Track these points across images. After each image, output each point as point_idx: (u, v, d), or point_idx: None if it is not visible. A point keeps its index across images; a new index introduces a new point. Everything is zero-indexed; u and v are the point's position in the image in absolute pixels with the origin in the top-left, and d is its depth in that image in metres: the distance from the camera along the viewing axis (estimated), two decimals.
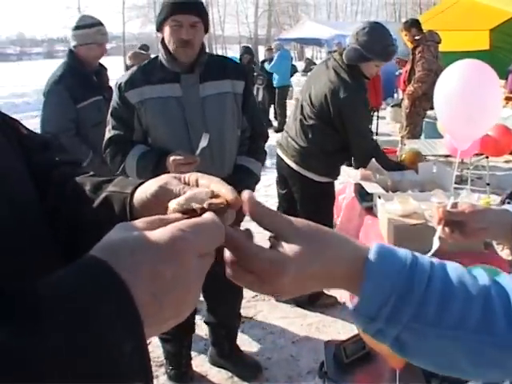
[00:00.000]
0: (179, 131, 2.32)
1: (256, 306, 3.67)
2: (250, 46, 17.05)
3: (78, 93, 3.26)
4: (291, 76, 12.17)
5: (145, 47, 9.91)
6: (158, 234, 0.51)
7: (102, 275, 0.46)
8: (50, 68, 3.84)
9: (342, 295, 3.69)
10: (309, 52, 40.52)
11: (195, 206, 0.60)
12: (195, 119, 2.32)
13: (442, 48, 6.45)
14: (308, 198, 3.45)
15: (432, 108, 6.58)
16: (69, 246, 0.74)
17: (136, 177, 2.32)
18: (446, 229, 1.38)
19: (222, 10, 48.16)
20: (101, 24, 3.45)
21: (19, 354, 0.38)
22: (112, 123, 2.41)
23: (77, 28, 3.38)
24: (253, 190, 2.55)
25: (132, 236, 0.51)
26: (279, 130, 9.86)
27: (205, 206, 0.60)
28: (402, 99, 6.67)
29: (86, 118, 3.28)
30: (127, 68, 5.08)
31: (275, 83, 11.07)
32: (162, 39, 2.34)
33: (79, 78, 3.33)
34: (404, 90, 6.58)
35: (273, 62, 11.05)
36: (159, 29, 2.33)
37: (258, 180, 2.58)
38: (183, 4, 2.22)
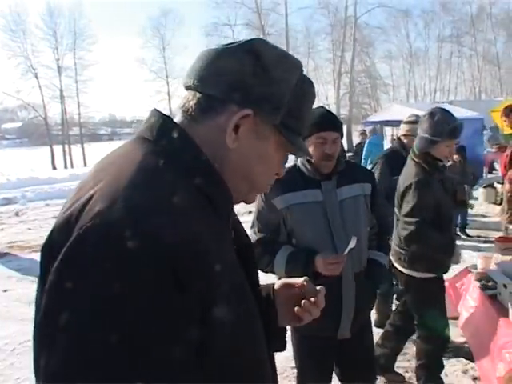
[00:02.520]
0: (322, 232, 2.56)
1: None
2: None
3: (395, 167, 4.07)
4: None
5: None
6: None
7: None
8: None
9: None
10: (389, 130, 40.81)
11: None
12: (335, 220, 2.57)
13: None
14: (411, 295, 3.55)
15: None
16: None
17: (284, 274, 2.55)
18: None
19: None
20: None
21: None
22: (258, 226, 2.70)
23: (405, 122, 4.59)
24: (383, 282, 2.85)
25: None
26: None
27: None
28: (503, 183, 6.73)
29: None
30: None
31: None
32: None
33: (399, 158, 4.19)
34: (505, 175, 6.65)
35: (364, 151, 11.05)
36: None
37: (386, 272, 2.83)
38: (328, 124, 2.56)
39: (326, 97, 49.87)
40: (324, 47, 45.88)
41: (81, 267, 0.80)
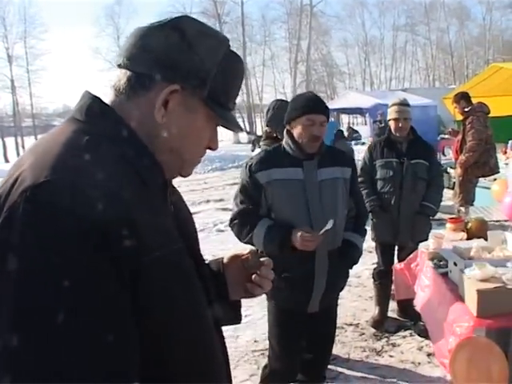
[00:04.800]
0: (300, 207, 2.68)
1: None
2: None
3: (378, 152, 4.47)
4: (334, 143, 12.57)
5: None
6: None
7: None
8: None
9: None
10: (345, 118, 41.36)
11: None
12: (314, 198, 2.68)
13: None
14: None
15: (483, 176, 6.86)
16: None
17: (262, 246, 2.68)
18: None
19: (260, 80, 49.76)
20: (404, 105, 4.46)
21: None
22: (241, 198, 2.81)
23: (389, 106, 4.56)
24: (356, 262, 2.91)
25: None
26: None
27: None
28: (455, 167, 6.91)
29: (377, 172, 4.45)
30: None
31: None
32: (288, 130, 2.76)
33: (387, 142, 4.47)
34: (456, 159, 6.82)
35: None
36: (289, 122, 2.76)
37: (361, 253, 2.92)
38: (317, 107, 2.67)
39: (282, 85, 50.20)
40: (280, 36, 46.30)
41: (11, 247, 0.81)
